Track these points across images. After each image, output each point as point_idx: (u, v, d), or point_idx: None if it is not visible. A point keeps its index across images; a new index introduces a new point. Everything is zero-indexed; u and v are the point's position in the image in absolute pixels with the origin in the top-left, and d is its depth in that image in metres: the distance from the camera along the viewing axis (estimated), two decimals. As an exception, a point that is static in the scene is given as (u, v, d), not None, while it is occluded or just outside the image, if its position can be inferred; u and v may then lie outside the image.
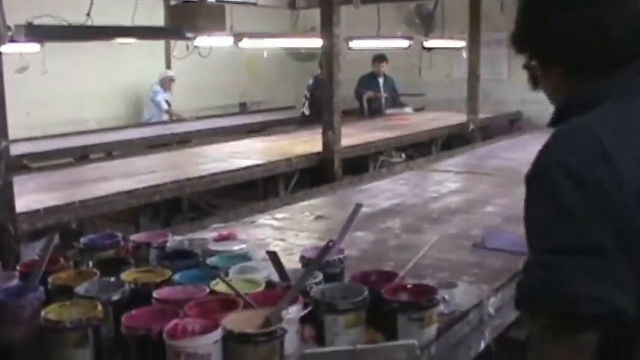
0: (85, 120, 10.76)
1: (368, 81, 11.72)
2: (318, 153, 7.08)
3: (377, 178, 5.99)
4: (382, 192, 5.39)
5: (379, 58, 11.75)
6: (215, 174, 6.47)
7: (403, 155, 8.51)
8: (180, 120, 11.66)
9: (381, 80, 11.83)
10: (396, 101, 12.10)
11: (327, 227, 4.26)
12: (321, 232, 4.13)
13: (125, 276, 2.74)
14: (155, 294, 2.52)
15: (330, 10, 6.74)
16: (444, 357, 2.40)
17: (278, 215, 4.62)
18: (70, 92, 10.78)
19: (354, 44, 9.62)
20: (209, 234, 3.82)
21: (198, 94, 12.56)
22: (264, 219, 4.52)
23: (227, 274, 2.73)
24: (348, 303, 2.41)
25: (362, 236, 3.96)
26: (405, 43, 10.76)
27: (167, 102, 11.75)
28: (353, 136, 8.37)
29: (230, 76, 13.08)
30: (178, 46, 10.86)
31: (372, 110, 11.58)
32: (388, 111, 11.61)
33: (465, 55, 10.33)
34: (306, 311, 2.37)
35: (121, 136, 9.83)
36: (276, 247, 3.73)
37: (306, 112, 11.03)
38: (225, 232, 3.70)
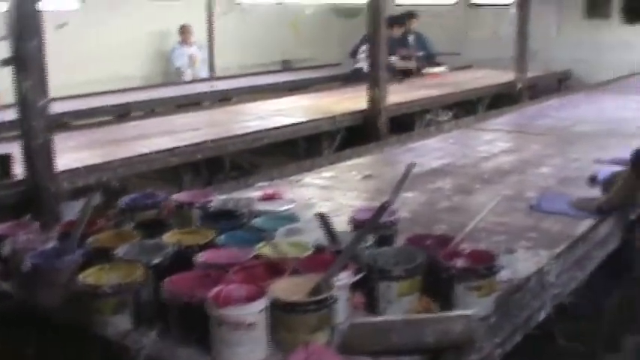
0: (127, 78, 10.64)
1: (396, 40, 10.70)
2: (363, 111, 6.91)
3: (425, 137, 5.82)
4: (431, 151, 5.22)
5: (409, 15, 11.08)
6: (257, 132, 6.33)
7: (450, 114, 8.29)
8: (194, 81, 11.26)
9: (411, 39, 11.16)
10: (430, 60, 11.41)
11: (376, 187, 4.11)
12: (370, 192, 3.99)
13: (167, 237, 2.62)
14: (198, 257, 2.39)
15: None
16: (502, 328, 2.25)
17: (325, 174, 4.48)
18: (111, 50, 10.68)
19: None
20: (254, 193, 3.70)
21: (240, 52, 12.37)
22: (310, 178, 4.38)
23: (273, 237, 2.60)
24: (403, 269, 2.27)
25: (412, 197, 3.81)
26: (451, 0, 10.54)
27: (190, 57, 11.56)
28: (397, 93, 8.17)
29: (273, 33, 12.88)
30: (221, 2, 10.74)
31: (403, 70, 10.70)
32: (423, 70, 10.90)
33: (513, 11, 10.07)
34: (358, 277, 2.23)
35: (162, 93, 9.67)
36: (323, 207, 3.61)
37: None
38: (270, 191, 3.58)
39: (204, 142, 5.80)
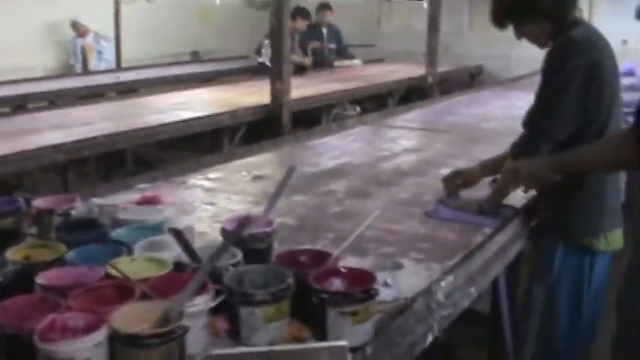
0: (27, 69, 10.20)
1: (310, 32, 10.75)
2: (265, 105, 6.63)
3: (326, 133, 5.55)
4: (330, 149, 4.96)
5: (323, 6, 10.96)
6: (153, 127, 6.00)
7: (358, 108, 8.04)
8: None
9: (324, 31, 10.98)
10: (343, 52, 11.33)
11: (264, 189, 3.77)
12: (257, 196, 3.67)
13: (12, 252, 2.28)
14: (38, 278, 2.08)
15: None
16: (382, 359, 2.00)
17: (211, 175, 4.15)
18: (13, 38, 10.24)
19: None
20: (133, 195, 3.38)
21: (146, 42, 11.98)
22: (196, 179, 4.05)
23: (131, 251, 2.32)
24: (268, 292, 1.99)
25: (301, 201, 3.54)
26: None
27: (82, 49, 11.26)
28: (304, 87, 7.94)
29: (181, 23, 12.53)
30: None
31: (316, 62, 10.69)
32: (336, 63, 10.87)
33: (425, 5, 9.94)
34: (215, 303, 1.96)
35: (65, 84, 9.30)
36: (204, 212, 3.36)
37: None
38: (149, 194, 3.28)
39: (93, 137, 5.45)
